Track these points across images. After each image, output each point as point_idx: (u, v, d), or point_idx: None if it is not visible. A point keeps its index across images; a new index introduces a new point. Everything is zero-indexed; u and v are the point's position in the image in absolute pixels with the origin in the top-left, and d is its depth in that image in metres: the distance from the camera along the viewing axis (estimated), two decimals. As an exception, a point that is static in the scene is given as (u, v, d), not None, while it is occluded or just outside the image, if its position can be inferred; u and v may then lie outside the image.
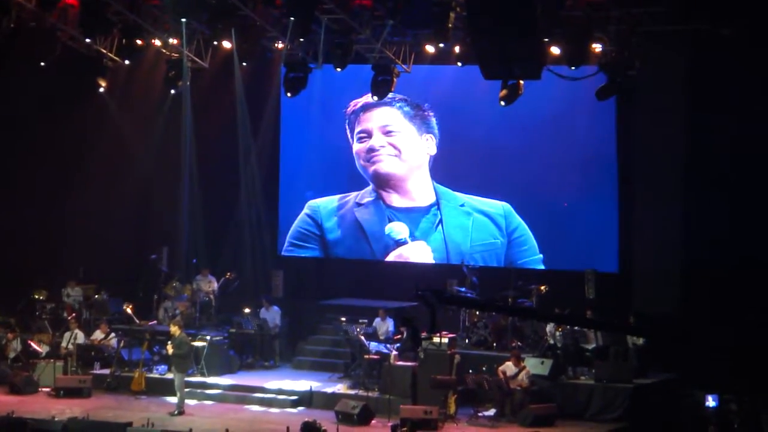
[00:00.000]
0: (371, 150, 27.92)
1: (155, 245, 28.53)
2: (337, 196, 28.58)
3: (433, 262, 27.52)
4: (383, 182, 27.93)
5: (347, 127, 28.36)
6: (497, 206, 27.23)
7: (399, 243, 27.74)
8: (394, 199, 27.99)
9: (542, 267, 26.77)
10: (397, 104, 27.79)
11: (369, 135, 28.04)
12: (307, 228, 28.76)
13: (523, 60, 18.52)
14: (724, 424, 22.14)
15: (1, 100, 27.81)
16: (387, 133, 27.92)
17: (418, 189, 27.85)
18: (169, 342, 23.84)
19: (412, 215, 27.87)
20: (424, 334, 22.07)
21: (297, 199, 29.07)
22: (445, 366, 23.47)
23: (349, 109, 28.17)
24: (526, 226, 26.96)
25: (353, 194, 28.41)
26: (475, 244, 27.26)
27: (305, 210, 28.82)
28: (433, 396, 23.00)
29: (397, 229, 27.76)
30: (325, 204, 28.65)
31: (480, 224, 27.30)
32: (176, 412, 23.32)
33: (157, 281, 27.92)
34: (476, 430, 22.73)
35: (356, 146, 28.23)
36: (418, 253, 27.64)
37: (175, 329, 23.92)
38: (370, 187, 28.24)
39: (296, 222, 28.89)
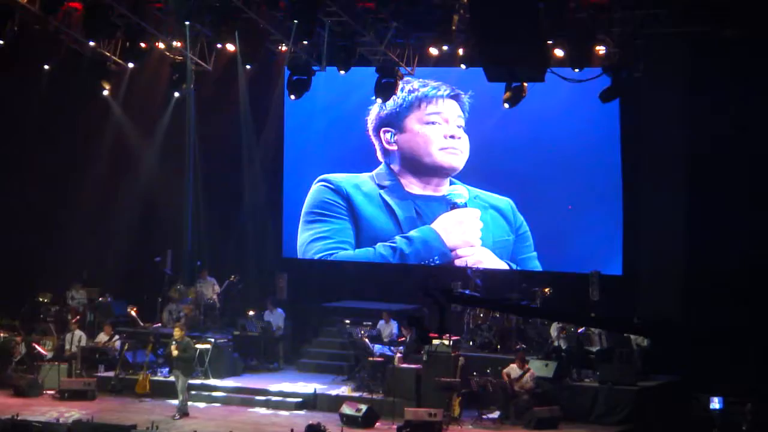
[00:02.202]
0: (452, 137, 27.50)
1: (159, 248, 28.52)
2: (351, 174, 28.45)
3: (473, 232, 27.32)
4: (440, 173, 27.68)
5: (406, 95, 27.57)
6: (504, 201, 27.26)
7: (456, 206, 27.55)
8: (414, 187, 27.96)
9: (537, 263, 26.80)
10: (466, 98, 27.54)
11: (446, 121, 27.62)
12: (332, 198, 28.40)
13: (527, 62, 18.53)
14: (729, 427, 22.13)
15: (5, 103, 27.90)
16: (459, 126, 27.66)
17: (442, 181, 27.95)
18: (174, 344, 23.77)
19: (431, 204, 27.84)
20: (434, 335, 22.07)
21: (301, 201, 29.05)
22: (449, 368, 23.46)
23: (416, 84, 27.54)
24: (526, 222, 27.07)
25: (365, 174, 28.29)
26: (496, 241, 27.30)
27: (321, 183, 28.55)
28: (438, 398, 23.00)
29: (459, 191, 27.60)
30: (347, 180, 28.36)
31: (495, 219, 27.33)
32: (179, 416, 23.29)
33: (161, 284, 27.93)
34: (480, 433, 22.79)
35: (423, 128, 27.68)
36: (471, 219, 27.40)
37: (180, 333, 23.85)
38: (384, 170, 28.10)
39: (313, 194, 28.61)
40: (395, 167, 28.15)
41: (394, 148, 28.07)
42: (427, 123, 27.78)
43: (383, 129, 28.15)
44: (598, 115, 25.86)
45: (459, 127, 27.57)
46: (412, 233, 27.84)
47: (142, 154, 29.36)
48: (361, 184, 28.31)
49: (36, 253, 28.33)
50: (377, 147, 28.38)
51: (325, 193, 28.58)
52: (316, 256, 28.50)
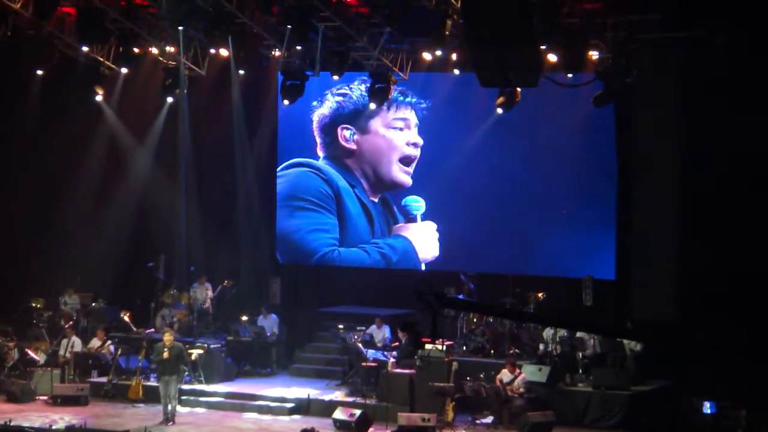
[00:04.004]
0: (414, 145, 27.59)
1: (152, 253, 28.50)
2: (323, 163, 28.41)
3: (437, 244, 27.52)
4: (391, 186, 27.85)
5: (363, 91, 27.27)
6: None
7: (413, 218, 27.70)
8: (369, 191, 28.14)
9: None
10: (421, 108, 27.64)
11: (408, 127, 27.75)
12: (324, 190, 28.23)
13: (520, 67, 18.53)
14: (721, 431, 22.16)
15: (-2, 108, 27.90)
16: (418, 134, 27.82)
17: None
18: (166, 350, 23.51)
19: (383, 212, 28.13)
20: (427, 340, 22.07)
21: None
22: (442, 373, 23.46)
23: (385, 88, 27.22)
24: None
25: (332, 170, 28.29)
26: None
27: (308, 169, 28.41)
28: (431, 403, 23.00)
29: (416, 204, 27.71)
30: (333, 172, 28.24)
31: None
32: (171, 422, 23.19)
33: (154, 289, 27.90)
34: (474, 438, 22.78)
35: (388, 132, 27.74)
36: (422, 232, 27.59)
37: (170, 338, 23.71)
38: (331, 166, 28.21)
39: (299, 179, 28.46)
40: (350, 165, 28.16)
41: (353, 147, 28.08)
42: (393, 128, 27.82)
43: (342, 126, 28.10)
44: (592, 120, 25.89)
45: (418, 134, 27.73)
46: (392, 241, 27.91)
47: (135, 159, 29.33)
48: (336, 177, 28.31)
49: (29, 258, 28.28)
50: (320, 142, 28.31)
51: (315, 182, 28.40)
52: (324, 250, 28.29)
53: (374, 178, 28.04)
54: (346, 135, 28.14)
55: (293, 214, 28.64)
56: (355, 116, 28.03)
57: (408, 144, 27.71)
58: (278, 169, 28.85)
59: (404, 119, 27.72)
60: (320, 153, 28.44)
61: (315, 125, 28.39)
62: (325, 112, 28.10)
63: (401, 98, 27.55)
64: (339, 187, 28.20)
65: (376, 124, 27.94)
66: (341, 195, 28.20)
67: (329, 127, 28.25)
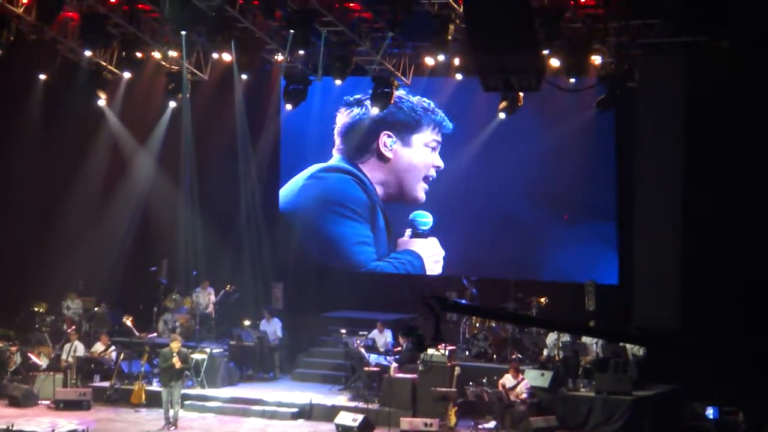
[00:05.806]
0: (436, 168, 27.59)
1: (155, 257, 28.51)
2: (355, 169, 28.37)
3: (441, 262, 27.52)
4: (404, 199, 27.84)
5: (423, 112, 27.58)
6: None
7: (419, 233, 27.66)
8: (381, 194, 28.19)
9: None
10: (447, 133, 27.65)
11: (436, 149, 27.68)
12: (364, 200, 28.12)
13: (523, 72, 18.54)
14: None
15: (0, 113, 27.87)
16: (439, 158, 27.84)
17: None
18: (175, 356, 23.41)
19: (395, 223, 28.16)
20: (429, 345, 22.09)
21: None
22: (445, 378, 23.46)
23: (432, 106, 27.52)
24: None
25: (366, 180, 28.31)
26: None
27: (350, 177, 28.31)
28: (434, 408, 23.00)
29: (425, 219, 27.69)
30: (369, 181, 28.28)
31: None
32: (173, 427, 23.18)
33: (156, 293, 27.90)
34: (476, 443, 22.75)
35: (424, 150, 27.68)
36: (430, 249, 27.60)
37: (178, 345, 23.64)
38: (352, 168, 28.15)
39: (342, 184, 28.34)
40: (370, 170, 28.08)
41: (390, 155, 28.03)
42: (429, 147, 27.75)
43: (385, 132, 28.04)
44: (594, 124, 25.89)
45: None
46: (409, 257, 27.90)
47: (137, 164, 29.34)
48: (371, 188, 28.24)
49: (31, 262, 28.29)
50: (339, 142, 28.20)
51: (357, 191, 28.29)
52: (371, 265, 28.19)
53: (395, 189, 27.95)
54: (387, 142, 28.01)
55: (336, 221, 28.50)
56: (401, 126, 27.88)
57: (433, 166, 27.65)
58: (316, 171, 28.72)
59: (438, 141, 27.64)
60: (337, 153, 28.28)
61: (346, 121, 28.09)
62: (371, 114, 27.74)
63: (444, 123, 27.43)
64: (375, 198, 28.14)
65: (417, 139, 27.79)
66: (376, 207, 28.17)
67: (372, 129, 28.02)
